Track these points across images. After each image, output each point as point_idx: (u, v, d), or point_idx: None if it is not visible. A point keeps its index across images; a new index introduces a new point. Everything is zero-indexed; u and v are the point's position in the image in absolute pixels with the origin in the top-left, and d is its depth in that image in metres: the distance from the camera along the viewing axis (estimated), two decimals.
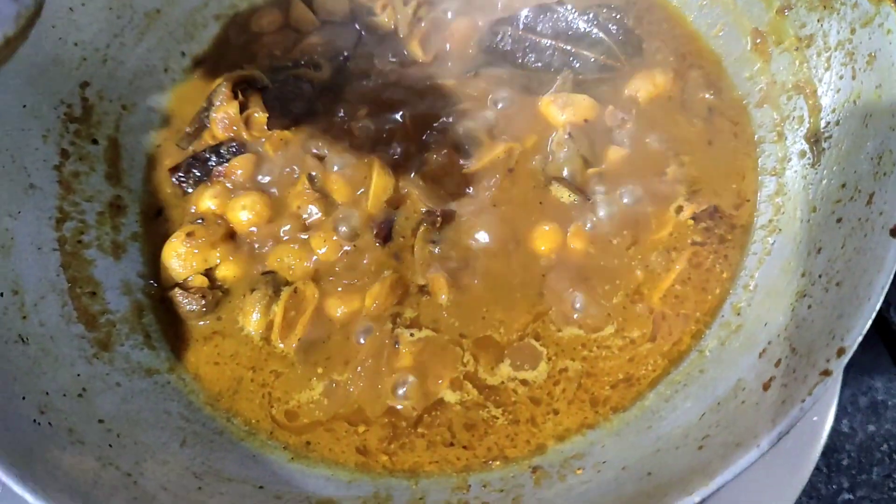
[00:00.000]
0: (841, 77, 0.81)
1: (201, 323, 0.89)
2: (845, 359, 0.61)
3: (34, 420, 0.71)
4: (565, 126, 0.92)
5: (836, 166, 0.78)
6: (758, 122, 0.90)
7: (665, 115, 0.94)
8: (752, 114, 0.91)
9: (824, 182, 0.79)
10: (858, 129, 0.76)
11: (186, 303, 0.89)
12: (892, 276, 0.64)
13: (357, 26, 1.05)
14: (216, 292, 0.90)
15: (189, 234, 0.91)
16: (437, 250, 0.88)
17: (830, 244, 0.74)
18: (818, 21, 0.84)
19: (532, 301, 0.85)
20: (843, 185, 0.76)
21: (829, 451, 0.93)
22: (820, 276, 0.72)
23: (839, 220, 0.75)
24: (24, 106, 0.91)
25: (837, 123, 0.80)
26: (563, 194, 0.89)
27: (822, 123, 0.81)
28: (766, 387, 0.68)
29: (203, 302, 0.88)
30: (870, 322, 0.61)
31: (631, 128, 0.93)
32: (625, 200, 0.88)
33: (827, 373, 0.61)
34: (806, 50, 0.86)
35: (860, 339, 0.62)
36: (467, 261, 0.88)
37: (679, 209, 0.88)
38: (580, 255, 0.86)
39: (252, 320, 0.87)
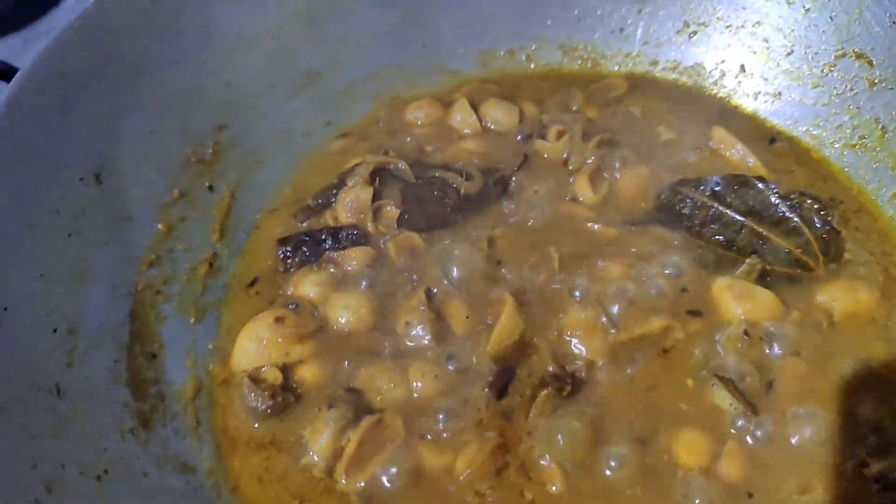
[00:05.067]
0: None
1: (258, 426, 0.75)
2: None
3: (34, 500, 0.57)
4: (741, 321, 0.77)
5: None
6: None
7: (863, 339, 0.77)
8: None
9: None
10: None
11: (252, 397, 0.75)
12: None
13: (522, 144, 0.94)
14: (288, 396, 0.75)
15: (278, 319, 0.78)
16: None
17: None
18: None
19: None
20: None
21: None
22: None
23: None
24: (152, 132, 0.82)
25: None
26: (725, 401, 0.73)
27: None
28: None
29: (271, 402, 0.74)
30: None
31: (817, 341, 0.77)
32: (802, 430, 0.71)
33: None
34: None
35: None
36: (590, 447, 0.72)
37: (863, 463, 0.70)
38: (732, 478, 0.69)
39: (320, 441, 0.72)
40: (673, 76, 1.01)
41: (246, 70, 0.92)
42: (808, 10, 0.92)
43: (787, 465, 0.70)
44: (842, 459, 0.70)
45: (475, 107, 0.98)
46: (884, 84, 0.88)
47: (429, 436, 0.73)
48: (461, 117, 0.97)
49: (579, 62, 1.03)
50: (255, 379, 0.76)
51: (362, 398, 0.75)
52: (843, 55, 0.90)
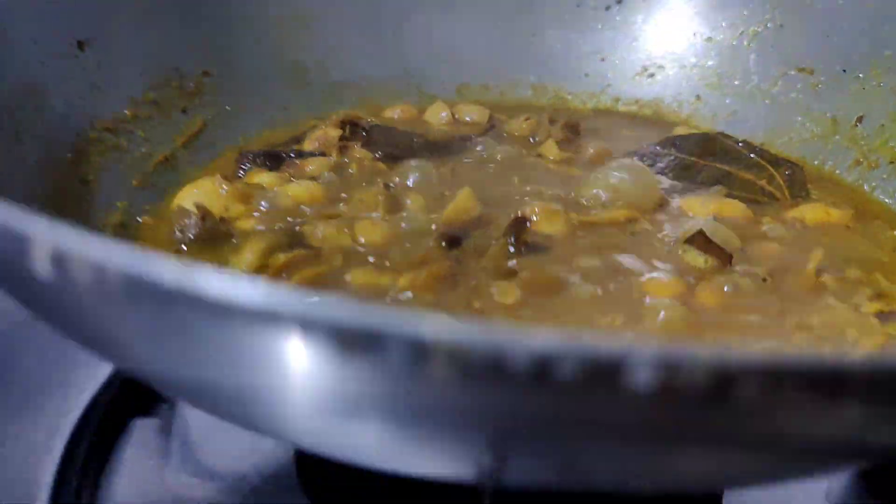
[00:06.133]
0: None
1: (184, 248, 0.67)
2: None
3: None
4: (711, 214, 0.74)
5: None
6: None
7: (840, 236, 0.74)
8: None
9: None
10: None
11: (181, 221, 0.68)
12: None
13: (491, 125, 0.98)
14: (222, 226, 0.69)
15: (224, 177, 0.75)
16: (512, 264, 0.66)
17: None
18: None
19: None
20: None
21: None
22: None
23: None
24: (142, 38, 0.86)
25: None
26: (699, 259, 0.67)
27: None
28: None
29: (201, 224, 0.67)
30: None
31: (792, 233, 0.73)
32: (777, 275, 0.65)
33: None
34: None
35: None
36: (549, 288, 0.64)
37: (856, 307, 0.62)
38: (706, 304, 0.61)
39: (245, 257, 0.64)
40: (634, 109, 1.08)
41: (240, 48, 0.99)
42: (749, 44, 1.03)
43: (766, 303, 0.62)
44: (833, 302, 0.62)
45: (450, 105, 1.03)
46: (823, 86, 0.95)
47: (370, 258, 0.65)
48: (436, 112, 1.02)
49: (549, 97, 1.11)
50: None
51: (302, 238, 0.68)
52: (786, 73, 0.99)
